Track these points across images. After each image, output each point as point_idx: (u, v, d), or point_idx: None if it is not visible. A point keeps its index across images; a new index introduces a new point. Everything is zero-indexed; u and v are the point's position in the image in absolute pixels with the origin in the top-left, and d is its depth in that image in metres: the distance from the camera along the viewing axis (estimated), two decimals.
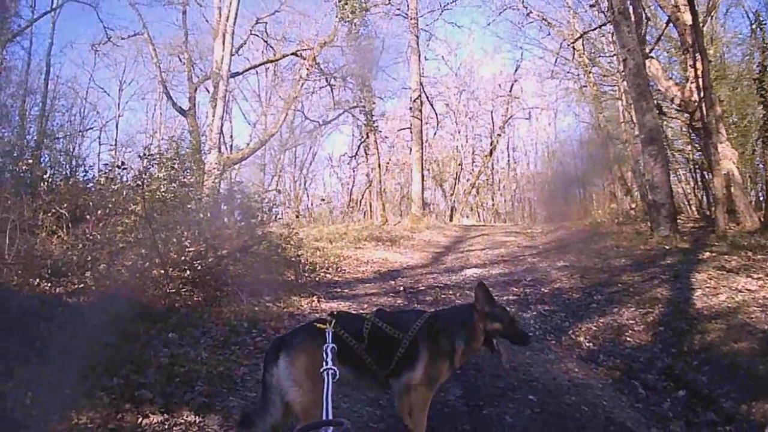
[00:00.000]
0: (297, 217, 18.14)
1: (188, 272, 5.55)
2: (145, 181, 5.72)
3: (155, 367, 3.43)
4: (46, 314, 3.69)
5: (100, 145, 21.21)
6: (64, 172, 7.00)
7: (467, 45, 38.51)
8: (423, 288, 6.89)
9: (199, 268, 5.67)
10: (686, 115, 10.97)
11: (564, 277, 7.29)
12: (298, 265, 7.05)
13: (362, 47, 15.96)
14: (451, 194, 26.16)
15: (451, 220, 21.60)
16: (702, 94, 9.60)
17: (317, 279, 7.07)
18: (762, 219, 9.25)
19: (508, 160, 29.87)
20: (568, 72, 19.49)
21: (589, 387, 3.72)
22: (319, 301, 5.80)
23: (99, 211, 5.26)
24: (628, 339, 4.66)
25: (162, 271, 5.19)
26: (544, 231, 14.43)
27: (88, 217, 5.33)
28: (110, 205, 5.24)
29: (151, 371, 3.37)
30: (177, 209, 6.22)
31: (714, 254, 6.80)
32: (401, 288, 6.84)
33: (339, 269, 7.95)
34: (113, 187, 5.47)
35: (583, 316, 5.32)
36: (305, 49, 17.53)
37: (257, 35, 18.78)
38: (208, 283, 5.59)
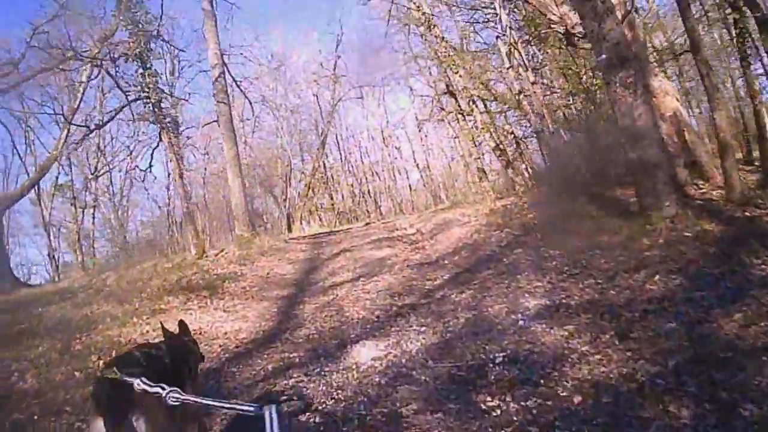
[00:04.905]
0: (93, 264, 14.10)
1: None
2: None
3: None
4: None
5: None
6: None
7: (275, 31, 34.80)
8: None
9: None
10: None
11: (578, 342, 3.45)
12: None
13: (138, 19, 11.98)
14: (284, 200, 21.97)
15: (289, 230, 17.69)
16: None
17: None
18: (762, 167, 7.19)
19: (340, 152, 26.11)
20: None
21: None
22: None
23: None
24: None
25: None
26: (423, 231, 10.00)
27: None
28: None
29: None
30: None
31: None
32: None
33: None
34: None
35: None
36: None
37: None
38: None
